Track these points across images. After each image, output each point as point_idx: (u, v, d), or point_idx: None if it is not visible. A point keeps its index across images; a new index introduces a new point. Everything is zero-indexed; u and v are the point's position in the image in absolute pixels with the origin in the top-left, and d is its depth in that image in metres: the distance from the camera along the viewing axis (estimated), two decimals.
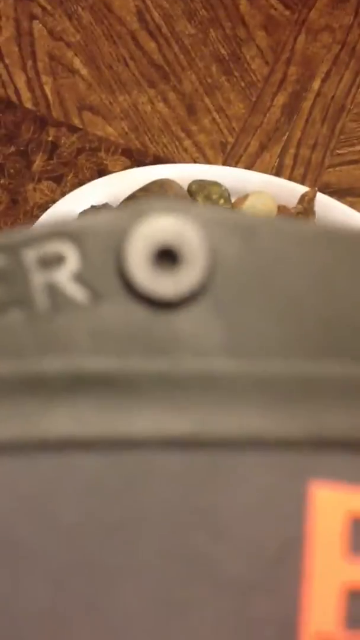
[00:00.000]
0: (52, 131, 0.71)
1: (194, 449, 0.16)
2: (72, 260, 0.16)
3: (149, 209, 0.16)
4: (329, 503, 0.16)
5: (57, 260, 0.16)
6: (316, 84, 0.76)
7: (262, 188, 0.66)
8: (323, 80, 0.76)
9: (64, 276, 0.16)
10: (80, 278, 0.16)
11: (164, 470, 0.16)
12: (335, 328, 0.16)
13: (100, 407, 0.16)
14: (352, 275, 0.16)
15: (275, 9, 0.80)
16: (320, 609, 0.16)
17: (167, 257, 0.16)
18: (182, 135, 0.73)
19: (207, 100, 0.75)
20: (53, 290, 0.16)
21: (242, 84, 0.76)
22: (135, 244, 0.16)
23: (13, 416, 0.16)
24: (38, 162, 0.70)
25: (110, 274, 0.16)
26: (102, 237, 0.16)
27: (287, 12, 0.80)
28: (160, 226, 0.16)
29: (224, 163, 0.71)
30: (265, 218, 0.17)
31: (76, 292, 0.16)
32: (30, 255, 0.16)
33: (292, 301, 0.16)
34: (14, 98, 0.73)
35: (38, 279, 0.16)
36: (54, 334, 0.16)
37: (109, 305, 0.16)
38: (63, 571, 0.16)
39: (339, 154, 0.72)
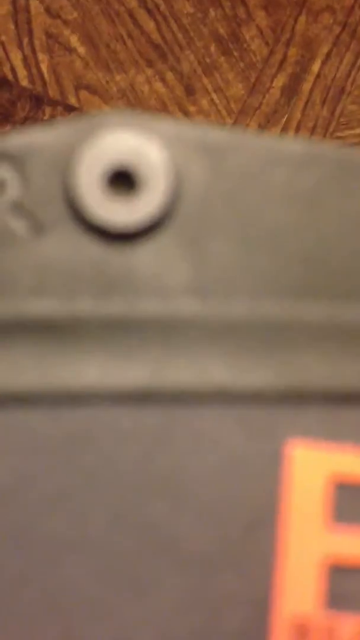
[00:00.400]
0: (48, 110, 0.70)
1: (149, 403, 0.14)
2: (12, 186, 0.14)
3: (102, 124, 0.14)
4: (308, 464, 0.14)
5: None
6: (316, 66, 0.75)
7: None
8: (323, 62, 0.75)
9: (2, 206, 0.14)
10: (20, 207, 0.14)
11: (113, 428, 0.14)
12: (316, 263, 0.14)
13: (40, 356, 0.14)
14: (339, 202, 0.14)
15: None
16: (297, 587, 0.14)
17: (123, 180, 0.14)
18: (180, 115, 0.72)
19: (205, 80, 0.74)
20: None
21: (242, 65, 0.75)
22: (86, 165, 0.14)
23: None
24: None
25: (55, 201, 0.14)
26: (46, 158, 0.14)
27: None
28: (115, 143, 0.14)
29: None
30: (239, 136, 0.15)
31: (16, 223, 0.14)
32: None
33: (267, 232, 0.14)
34: (9, 76, 0.72)
35: None
36: None
37: (55, 238, 0.14)
38: None
39: (338, 137, 0.71)
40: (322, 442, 0.14)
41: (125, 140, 0.14)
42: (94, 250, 0.14)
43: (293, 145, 0.15)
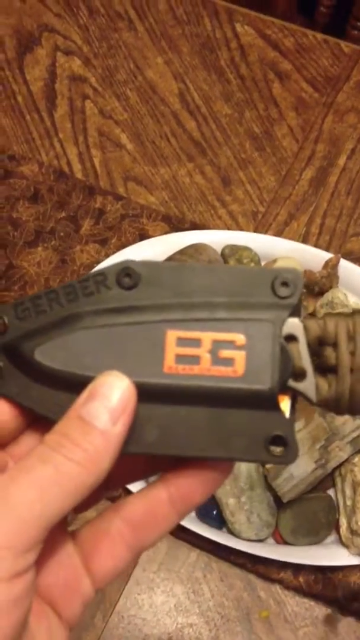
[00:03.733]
0: (99, 199, 0.77)
1: None
2: None
3: None
4: None
5: None
6: (342, 160, 0.81)
7: (289, 253, 0.71)
8: (348, 157, 0.82)
9: None
10: None
11: None
12: None
13: None
14: None
15: (306, 92, 0.87)
16: None
17: None
18: (217, 204, 0.78)
19: (240, 173, 0.81)
20: None
21: (274, 159, 0.82)
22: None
23: None
24: (86, 226, 0.76)
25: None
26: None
27: (316, 95, 0.87)
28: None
29: (255, 230, 0.77)
30: None
31: None
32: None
33: None
34: (66, 169, 0.80)
35: None
36: None
37: None
38: None
39: None
40: None
41: None
42: None
43: None
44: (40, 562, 0.27)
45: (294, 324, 0.28)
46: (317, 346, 0.28)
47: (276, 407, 0.28)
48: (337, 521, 0.59)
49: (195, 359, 0.27)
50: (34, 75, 0.88)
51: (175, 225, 0.76)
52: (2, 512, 0.24)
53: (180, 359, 0.27)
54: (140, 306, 0.28)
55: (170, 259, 0.69)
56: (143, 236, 0.75)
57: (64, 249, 0.74)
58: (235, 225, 0.77)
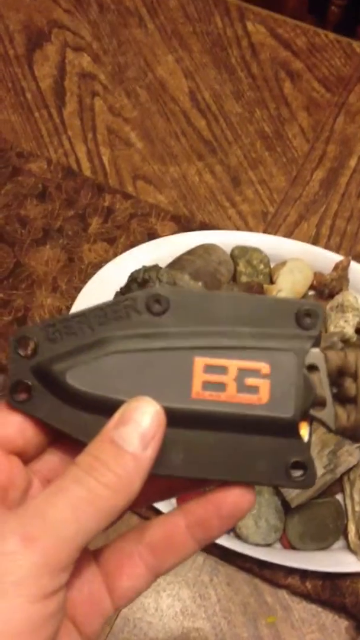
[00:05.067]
0: (108, 197, 0.77)
1: None
2: None
3: None
4: None
5: None
6: (353, 161, 0.81)
7: (299, 255, 0.70)
8: None
9: None
10: None
11: None
12: None
13: None
14: None
15: (317, 92, 0.86)
16: None
17: None
18: (227, 204, 0.78)
19: (250, 173, 0.80)
20: None
21: (284, 160, 0.81)
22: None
23: None
24: (94, 225, 0.75)
25: None
26: None
27: (328, 95, 0.86)
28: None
29: (265, 231, 0.76)
30: None
31: None
32: None
33: None
34: (74, 167, 0.79)
35: None
36: None
37: None
38: None
39: None
40: None
41: None
42: None
43: None
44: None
45: (316, 354, 0.29)
46: (337, 376, 0.29)
47: (297, 434, 0.29)
48: (346, 527, 0.58)
49: (221, 386, 0.29)
50: (43, 71, 0.87)
51: (184, 224, 0.75)
52: (40, 530, 0.25)
53: (207, 385, 0.29)
54: (169, 332, 0.29)
55: (179, 259, 0.69)
56: (152, 235, 0.74)
57: (71, 247, 0.74)
58: (244, 225, 0.76)
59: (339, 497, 0.60)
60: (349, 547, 0.57)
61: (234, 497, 0.29)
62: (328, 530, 0.58)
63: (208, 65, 0.88)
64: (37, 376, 0.29)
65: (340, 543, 0.59)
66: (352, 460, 0.58)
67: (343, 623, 0.57)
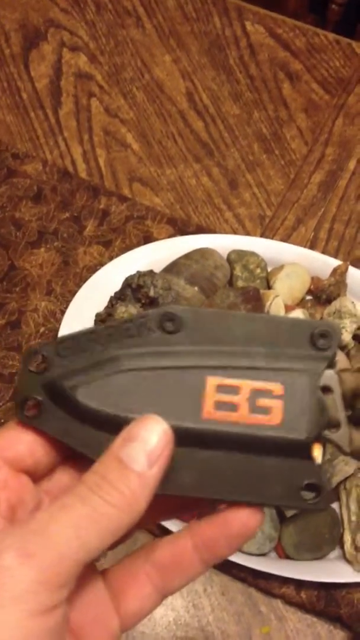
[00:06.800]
0: (103, 200, 0.76)
1: None
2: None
3: None
4: None
5: None
6: (352, 164, 0.80)
7: (297, 260, 0.69)
8: (359, 161, 0.80)
9: None
10: None
11: None
12: None
13: None
14: None
15: (316, 93, 0.85)
16: None
17: None
18: (224, 207, 0.77)
19: (248, 176, 0.79)
20: None
21: (282, 162, 0.80)
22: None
23: None
24: (89, 227, 0.74)
25: None
26: None
27: (327, 97, 0.85)
28: None
29: (262, 235, 0.75)
30: None
31: None
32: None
33: None
34: (70, 168, 0.79)
35: None
36: None
37: None
38: None
39: None
40: None
41: None
42: None
43: None
44: (72, 599, 0.28)
45: (330, 376, 0.29)
46: (352, 398, 0.29)
47: (310, 456, 0.28)
48: (341, 537, 0.57)
49: (233, 407, 0.28)
50: (39, 71, 0.86)
51: (181, 227, 0.74)
52: (40, 547, 0.25)
53: (219, 405, 0.28)
54: (181, 351, 0.29)
55: (175, 263, 0.68)
56: (148, 238, 0.73)
57: (67, 250, 0.73)
58: (241, 229, 0.75)
59: (335, 506, 0.59)
60: (344, 557, 0.57)
61: (242, 517, 0.28)
62: (323, 540, 0.57)
63: (206, 66, 0.87)
64: (47, 392, 0.30)
65: (335, 553, 0.58)
66: (349, 470, 0.57)
67: (338, 634, 0.57)
